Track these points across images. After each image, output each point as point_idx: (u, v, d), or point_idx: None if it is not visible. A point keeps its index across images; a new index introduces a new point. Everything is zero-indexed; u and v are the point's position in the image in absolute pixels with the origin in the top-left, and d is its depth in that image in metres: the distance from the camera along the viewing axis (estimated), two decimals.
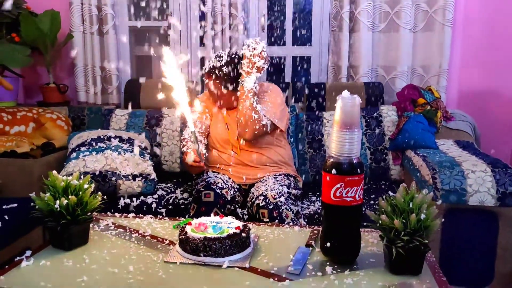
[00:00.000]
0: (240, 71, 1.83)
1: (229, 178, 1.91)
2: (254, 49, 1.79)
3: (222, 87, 1.88)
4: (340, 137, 1.12)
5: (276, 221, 1.61)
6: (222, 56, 1.88)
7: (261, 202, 1.67)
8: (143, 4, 2.73)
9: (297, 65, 2.94)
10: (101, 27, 2.79)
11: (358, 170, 1.13)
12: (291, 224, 1.58)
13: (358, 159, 1.15)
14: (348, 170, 1.12)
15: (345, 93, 1.13)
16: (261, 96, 1.94)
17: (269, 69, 2.77)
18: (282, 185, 1.79)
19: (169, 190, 2.14)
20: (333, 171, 1.12)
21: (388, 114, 2.37)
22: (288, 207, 1.66)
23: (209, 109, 2.03)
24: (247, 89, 1.80)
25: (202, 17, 2.74)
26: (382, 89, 2.50)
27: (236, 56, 1.89)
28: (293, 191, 1.83)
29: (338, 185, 1.12)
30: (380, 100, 2.48)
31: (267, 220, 1.62)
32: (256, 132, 1.82)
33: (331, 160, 1.14)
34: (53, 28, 2.67)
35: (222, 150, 1.98)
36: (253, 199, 1.74)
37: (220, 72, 1.86)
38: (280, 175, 1.92)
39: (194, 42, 2.89)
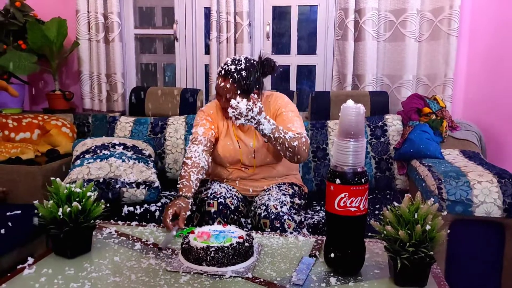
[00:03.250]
0: (253, 125, 1.67)
1: (233, 188, 1.90)
2: (240, 113, 1.59)
3: (238, 91, 1.76)
4: (344, 146, 1.12)
5: (278, 231, 1.60)
6: (240, 60, 1.79)
7: (263, 212, 1.66)
8: (149, 12, 2.75)
9: (302, 74, 2.95)
10: (107, 35, 2.81)
11: (363, 179, 1.12)
12: (294, 234, 1.57)
13: (363, 168, 1.14)
14: (353, 180, 1.11)
15: (349, 102, 1.13)
16: (284, 112, 1.85)
17: (274, 76, 2.79)
18: (285, 195, 1.78)
19: (172, 198, 2.12)
20: (337, 180, 1.12)
21: (393, 123, 2.36)
22: (290, 217, 1.65)
23: (215, 124, 1.92)
24: (270, 133, 1.67)
25: (208, 25, 2.76)
26: (387, 98, 2.49)
27: (254, 62, 1.82)
28: (297, 201, 1.82)
29: (342, 195, 1.12)
30: (385, 109, 2.47)
31: (269, 230, 1.61)
32: (307, 151, 1.75)
33: (335, 169, 1.14)
34: (59, 35, 2.70)
35: (232, 167, 1.92)
36: (256, 209, 1.73)
37: (238, 75, 1.75)
38: (284, 184, 1.91)
39: (199, 50, 2.90)
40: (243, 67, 1.76)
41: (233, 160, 1.89)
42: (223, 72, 1.77)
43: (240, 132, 1.89)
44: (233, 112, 1.59)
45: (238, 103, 1.58)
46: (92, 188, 1.31)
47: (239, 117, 1.59)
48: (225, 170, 1.93)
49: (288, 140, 1.68)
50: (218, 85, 1.78)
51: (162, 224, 1.56)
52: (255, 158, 1.87)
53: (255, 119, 1.61)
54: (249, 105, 1.59)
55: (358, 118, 1.11)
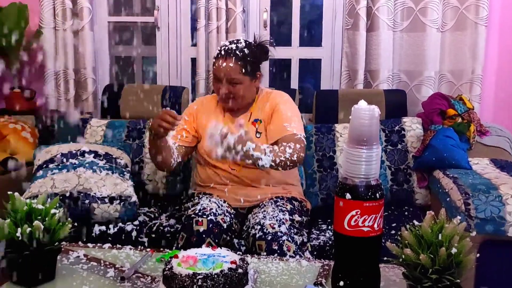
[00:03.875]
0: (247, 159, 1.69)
1: (225, 202, 1.90)
2: (228, 147, 1.59)
3: (243, 70, 1.87)
4: (356, 155, 1.12)
5: (276, 254, 1.59)
6: (239, 40, 1.92)
7: (258, 233, 1.66)
8: None
9: (305, 69, 2.95)
10: (75, 23, 2.81)
11: (377, 194, 1.12)
12: (295, 258, 1.57)
13: (377, 181, 1.14)
14: (366, 194, 1.11)
15: (362, 102, 1.13)
16: (282, 110, 1.93)
17: (272, 69, 2.79)
18: (283, 211, 1.78)
19: (152, 216, 2.13)
20: (348, 195, 1.12)
21: (412, 127, 2.37)
22: (290, 238, 1.65)
23: (195, 121, 2.04)
24: (272, 162, 1.70)
25: (194, 12, 2.76)
26: (405, 98, 2.50)
27: (253, 43, 1.95)
28: (298, 218, 1.83)
29: (354, 212, 1.11)
30: (402, 111, 2.48)
31: (265, 253, 1.61)
32: (303, 155, 1.83)
33: (345, 182, 1.14)
34: (19, 24, 2.69)
35: (217, 166, 1.98)
36: (249, 229, 1.73)
37: (241, 53, 1.87)
38: (282, 198, 1.92)
39: (184, 41, 2.91)
40: (244, 45, 1.89)
41: None
42: (223, 52, 1.88)
43: (232, 126, 1.95)
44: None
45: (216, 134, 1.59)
46: (57, 204, 1.30)
47: (228, 148, 1.59)
48: (212, 171, 1.98)
49: (289, 158, 1.75)
50: (219, 67, 1.88)
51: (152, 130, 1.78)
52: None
53: (239, 152, 1.61)
54: (230, 138, 1.58)
55: (371, 122, 1.11)
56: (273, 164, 1.72)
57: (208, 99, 2.14)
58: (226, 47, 1.89)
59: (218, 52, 1.91)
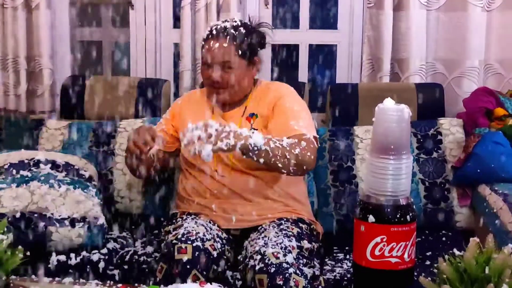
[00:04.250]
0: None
1: (214, 224, 1.90)
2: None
3: (239, 53, 1.93)
4: (381, 166, 1.12)
5: None
6: (233, 18, 2.02)
7: (258, 264, 1.66)
8: None
9: (317, 58, 2.95)
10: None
11: (408, 216, 1.13)
12: None
13: (408, 199, 1.14)
14: (393, 217, 1.12)
15: (388, 101, 1.13)
16: (287, 104, 1.98)
17: (275, 57, 2.79)
18: (289, 237, 1.78)
19: (124, 242, 2.12)
20: (371, 217, 1.12)
21: (451, 130, 2.37)
22: (298, 271, 1.64)
23: (179, 120, 2.09)
24: (264, 143, 1.71)
25: None
26: (442, 94, 2.51)
27: (249, 24, 2.03)
28: (307, 245, 1.82)
29: (378, 239, 1.12)
30: (439, 110, 2.49)
31: None
32: (313, 157, 1.82)
33: (368, 201, 1.14)
34: None
35: (202, 169, 1.98)
36: (247, 259, 1.73)
37: (236, 32, 1.93)
38: (287, 220, 1.91)
39: (165, 22, 2.91)
40: (239, 24, 1.96)
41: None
42: (214, 31, 1.95)
43: (222, 121, 1.98)
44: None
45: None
46: (5, 228, 1.30)
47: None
48: (196, 182, 2.01)
49: (287, 148, 1.75)
50: (209, 49, 1.95)
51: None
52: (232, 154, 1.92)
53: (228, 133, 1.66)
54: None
55: (400, 125, 1.12)
56: (264, 147, 1.71)
57: (196, 93, 2.20)
58: (218, 26, 1.95)
59: (209, 32, 1.97)
